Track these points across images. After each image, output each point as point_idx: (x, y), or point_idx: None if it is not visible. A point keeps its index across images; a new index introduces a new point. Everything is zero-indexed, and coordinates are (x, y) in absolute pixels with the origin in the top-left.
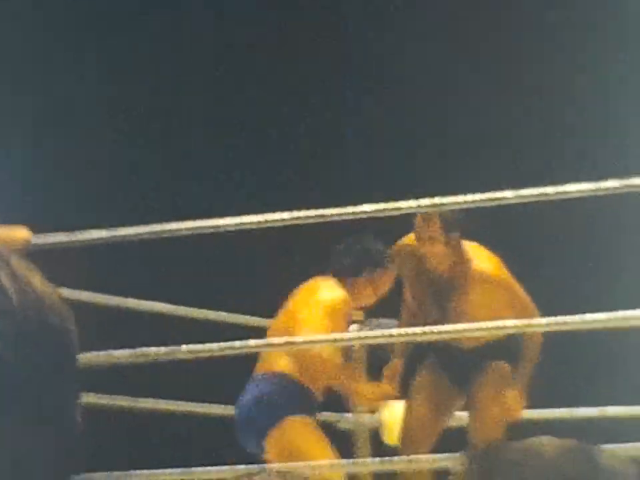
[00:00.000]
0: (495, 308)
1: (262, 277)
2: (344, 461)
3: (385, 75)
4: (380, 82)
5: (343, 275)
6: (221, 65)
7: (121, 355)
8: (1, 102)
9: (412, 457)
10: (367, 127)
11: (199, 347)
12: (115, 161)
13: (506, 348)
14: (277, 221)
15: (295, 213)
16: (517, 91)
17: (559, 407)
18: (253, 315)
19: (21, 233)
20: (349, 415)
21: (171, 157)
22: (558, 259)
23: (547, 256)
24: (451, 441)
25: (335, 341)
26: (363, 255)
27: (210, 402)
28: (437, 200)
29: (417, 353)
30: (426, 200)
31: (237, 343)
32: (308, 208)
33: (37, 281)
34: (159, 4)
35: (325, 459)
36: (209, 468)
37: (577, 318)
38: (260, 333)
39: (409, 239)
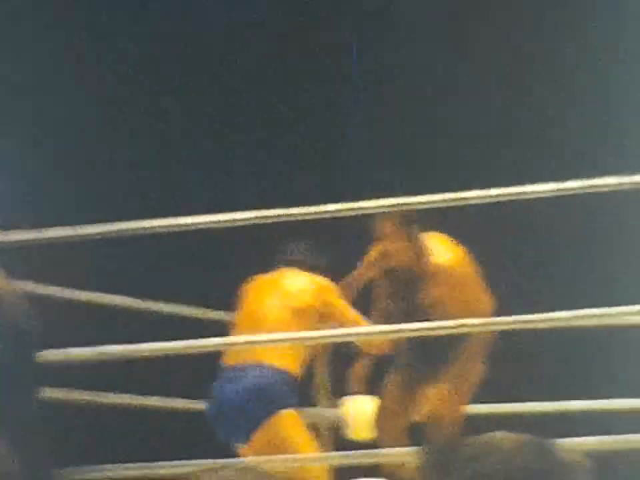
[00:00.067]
0: (452, 303)
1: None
2: (326, 454)
3: (385, 75)
4: (380, 82)
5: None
6: (221, 64)
7: (80, 353)
8: (1, 102)
9: (372, 451)
10: (367, 127)
11: (167, 345)
12: (113, 161)
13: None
14: (229, 221)
15: (253, 213)
16: (517, 91)
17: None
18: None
19: None
20: (311, 409)
21: (171, 157)
22: (556, 258)
23: (546, 255)
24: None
25: (312, 338)
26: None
27: (170, 396)
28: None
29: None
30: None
31: (215, 340)
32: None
33: None
34: (159, 4)
35: (312, 452)
36: (173, 462)
37: (550, 315)
38: (210, 323)
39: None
